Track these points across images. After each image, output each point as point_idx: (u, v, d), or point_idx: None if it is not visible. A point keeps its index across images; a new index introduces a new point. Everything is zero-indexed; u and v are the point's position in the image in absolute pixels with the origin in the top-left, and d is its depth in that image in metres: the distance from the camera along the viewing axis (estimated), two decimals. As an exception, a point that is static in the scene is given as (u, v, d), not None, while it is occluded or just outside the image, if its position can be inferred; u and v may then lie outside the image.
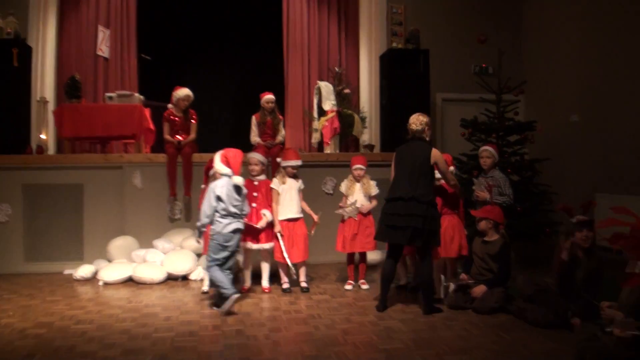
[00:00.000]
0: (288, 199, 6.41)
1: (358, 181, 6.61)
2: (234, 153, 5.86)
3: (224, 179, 5.70)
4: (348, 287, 6.57)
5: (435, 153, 5.53)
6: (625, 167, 7.84)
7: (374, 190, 6.58)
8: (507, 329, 5.02)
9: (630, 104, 7.82)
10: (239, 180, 5.73)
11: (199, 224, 5.66)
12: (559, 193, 8.17)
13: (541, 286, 5.28)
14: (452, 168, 6.07)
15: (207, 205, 5.60)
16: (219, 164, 5.76)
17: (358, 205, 6.47)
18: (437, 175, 5.78)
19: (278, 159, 6.62)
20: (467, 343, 4.65)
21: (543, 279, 5.59)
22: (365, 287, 6.57)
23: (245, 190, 5.90)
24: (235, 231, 5.69)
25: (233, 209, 5.68)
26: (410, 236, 5.36)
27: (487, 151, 6.55)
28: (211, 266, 5.64)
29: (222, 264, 5.66)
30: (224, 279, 5.58)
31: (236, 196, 5.73)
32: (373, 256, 7.47)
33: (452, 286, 5.82)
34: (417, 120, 5.64)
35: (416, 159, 5.50)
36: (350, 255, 6.66)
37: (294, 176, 6.50)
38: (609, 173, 8.15)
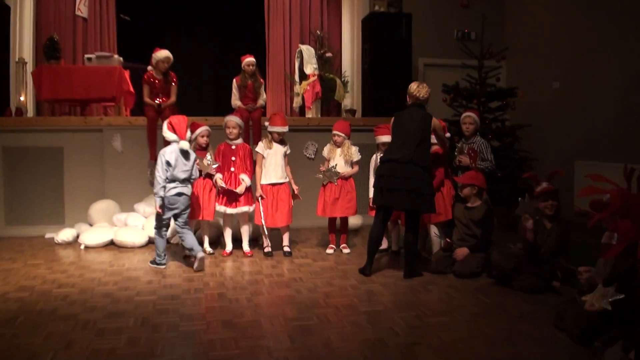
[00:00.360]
0: (273, 164, 6.39)
1: (338, 147, 6.61)
2: (178, 119, 5.99)
3: (172, 145, 5.90)
4: (329, 251, 6.62)
5: (435, 121, 5.57)
6: (605, 134, 7.91)
7: (356, 157, 6.58)
8: (487, 292, 5.11)
9: (611, 71, 7.86)
10: (185, 144, 5.88)
11: (155, 190, 5.83)
12: (539, 159, 8.25)
13: (518, 257, 5.32)
14: (448, 134, 6.11)
15: (160, 171, 5.79)
16: (166, 132, 5.95)
17: (338, 170, 6.47)
18: (432, 140, 5.80)
19: (266, 124, 6.58)
20: (448, 306, 4.73)
21: (516, 247, 5.63)
22: (346, 251, 6.63)
23: (193, 155, 6.04)
24: (179, 194, 5.86)
25: (182, 175, 5.86)
26: (407, 200, 5.34)
27: (470, 117, 6.55)
28: (159, 227, 5.93)
29: (169, 223, 6.04)
30: (162, 247, 5.96)
31: (184, 161, 5.89)
32: (354, 221, 7.52)
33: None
34: (423, 89, 5.61)
35: (416, 124, 5.48)
36: (332, 220, 6.69)
37: (281, 141, 6.49)
38: (589, 140, 8.22)
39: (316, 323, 4.28)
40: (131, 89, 8.12)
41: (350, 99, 9.87)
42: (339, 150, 6.58)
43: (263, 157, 6.40)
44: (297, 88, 9.22)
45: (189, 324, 4.27)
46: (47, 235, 7.43)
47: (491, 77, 8.24)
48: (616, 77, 7.75)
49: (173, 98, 7.67)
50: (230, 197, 6.37)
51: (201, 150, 6.37)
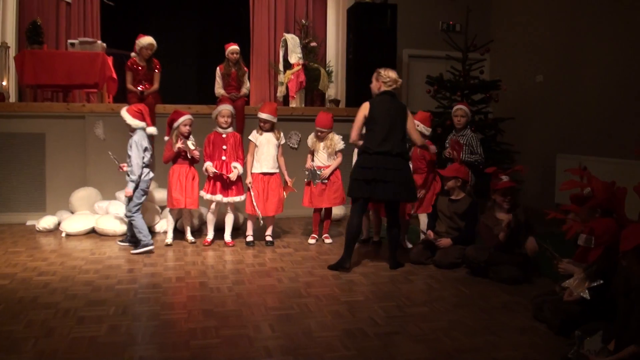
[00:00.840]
0: (265, 153, 6.37)
1: (321, 141, 6.60)
2: (144, 106, 6.25)
3: (140, 132, 6.09)
4: (312, 241, 6.63)
5: (409, 113, 5.56)
6: (588, 128, 7.97)
7: (340, 145, 6.56)
8: (467, 283, 5.16)
9: (594, 66, 7.91)
10: (153, 130, 6.22)
11: (134, 177, 5.99)
12: (522, 152, 8.31)
13: (490, 249, 5.33)
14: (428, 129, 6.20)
15: (138, 158, 5.99)
16: (131, 119, 6.11)
17: (317, 176, 6.49)
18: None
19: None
20: (428, 296, 4.78)
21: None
22: (328, 241, 6.64)
23: (151, 142, 6.29)
24: (151, 178, 6.21)
25: (150, 160, 6.16)
26: (399, 192, 5.34)
27: (462, 110, 6.57)
28: (136, 212, 6.07)
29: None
30: (145, 227, 6.08)
31: (150, 147, 6.20)
32: (337, 211, 7.54)
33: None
34: (397, 78, 5.54)
35: (396, 115, 5.43)
36: (317, 211, 6.69)
37: (273, 131, 6.46)
38: (572, 133, 8.28)
39: (297, 312, 4.30)
40: (114, 75, 8.06)
41: (335, 89, 9.86)
42: (322, 143, 6.56)
43: (256, 145, 6.39)
44: (281, 77, 9.19)
45: (170, 312, 4.28)
46: (28, 223, 7.38)
47: (475, 70, 8.27)
48: (599, 71, 7.80)
49: (156, 85, 7.64)
50: (221, 186, 6.35)
51: (183, 138, 6.34)
